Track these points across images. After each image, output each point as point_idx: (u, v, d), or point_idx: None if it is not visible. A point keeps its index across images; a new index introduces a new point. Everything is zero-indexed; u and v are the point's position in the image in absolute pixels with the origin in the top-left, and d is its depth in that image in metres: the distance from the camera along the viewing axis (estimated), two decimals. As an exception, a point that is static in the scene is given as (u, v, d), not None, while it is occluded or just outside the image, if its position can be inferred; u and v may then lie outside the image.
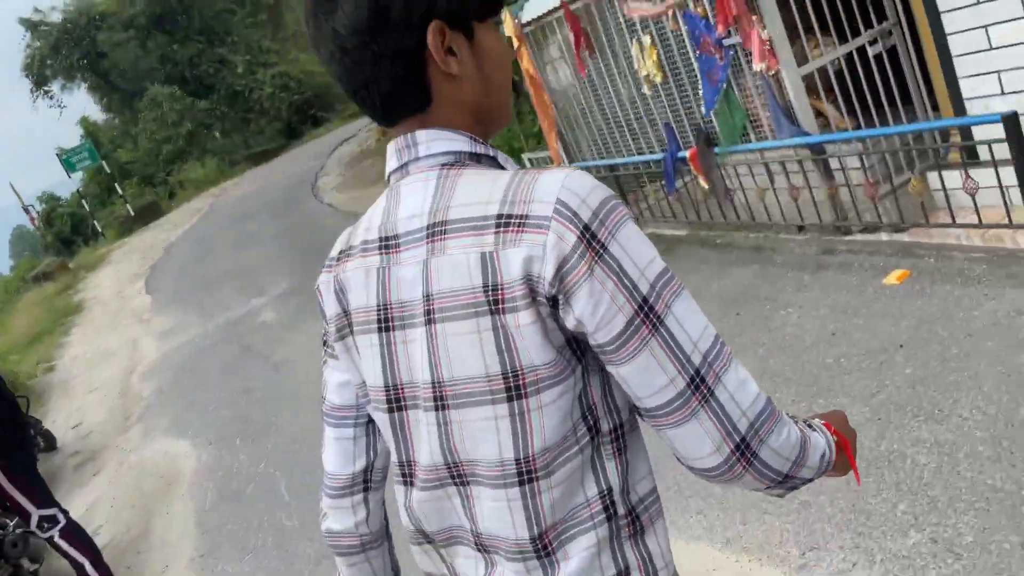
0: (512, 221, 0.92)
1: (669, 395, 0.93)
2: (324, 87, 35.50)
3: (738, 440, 0.95)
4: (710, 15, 4.59)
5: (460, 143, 1.01)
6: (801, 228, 4.97)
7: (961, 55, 4.34)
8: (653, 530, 1.04)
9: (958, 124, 4.18)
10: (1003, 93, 4.25)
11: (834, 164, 4.65)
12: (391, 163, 1.04)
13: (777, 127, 4.61)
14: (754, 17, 4.37)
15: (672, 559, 1.06)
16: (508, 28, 6.45)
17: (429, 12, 0.96)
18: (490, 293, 0.93)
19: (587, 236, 0.90)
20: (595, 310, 0.91)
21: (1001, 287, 3.52)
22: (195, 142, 32.43)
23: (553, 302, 0.92)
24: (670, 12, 4.96)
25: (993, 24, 4.11)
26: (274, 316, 8.82)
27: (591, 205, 0.91)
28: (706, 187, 5.41)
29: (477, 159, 1.02)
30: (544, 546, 1.00)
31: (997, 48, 4.15)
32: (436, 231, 0.97)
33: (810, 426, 1.06)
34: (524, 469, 0.98)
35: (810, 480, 1.03)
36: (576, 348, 0.96)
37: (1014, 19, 3.99)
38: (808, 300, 4.15)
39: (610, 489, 1.00)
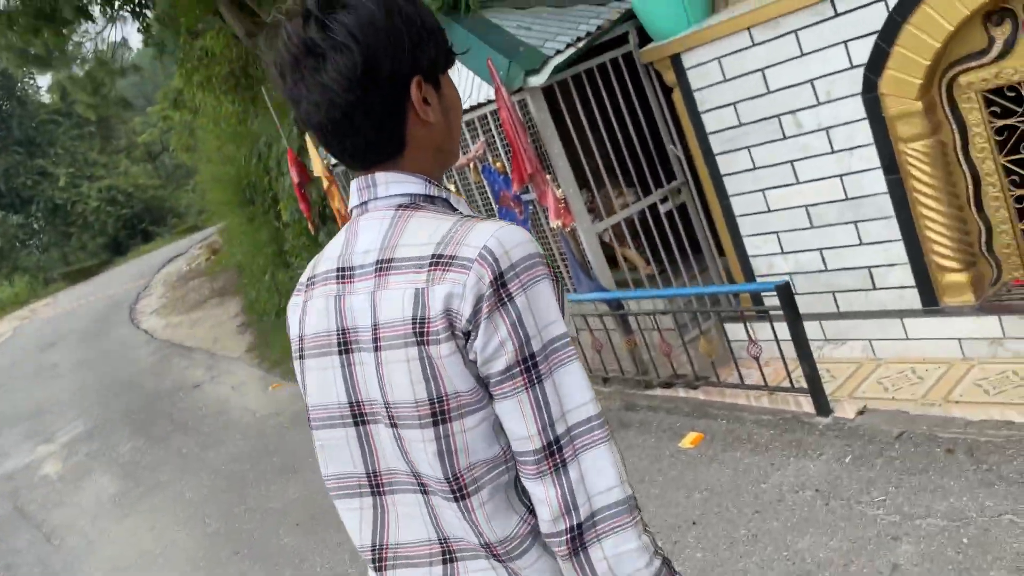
0: (442, 261, 1.01)
1: (527, 447, 1.01)
2: (156, 200, 34.07)
3: (572, 524, 1.00)
4: (508, 170, 4.58)
5: (416, 186, 1.10)
6: (606, 380, 4.91)
7: (743, 215, 4.51)
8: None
9: (735, 291, 4.29)
10: (783, 252, 4.44)
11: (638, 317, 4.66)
12: (353, 200, 1.13)
13: (576, 282, 4.59)
14: (548, 176, 4.38)
15: None
16: (317, 168, 6.27)
17: (413, 69, 1.06)
18: (418, 325, 1.01)
19: (498, 283, 0.99)
20: (485, 346, 1.00)
21: (786, 456, 3.51)
22: (5, 258, 29.98)
23: (466, 336, 1.00)
24: (471, 164, 4.93)
25: (769, 188, 4.31)
26: (58, 468, 7.85)
27: (512, 257, 1.01)
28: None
29: (431, 200, 1.11)
30: (495, 554, 1.07)
31: (775, 211, 4.34)
32: (383, 266, 1.06)
33: None
34: (455, 487, 1.05)
35: None
36: (485, 383, 1.03)
37: (787, 184, 4.20)
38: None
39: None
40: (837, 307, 4.34)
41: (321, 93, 1.03)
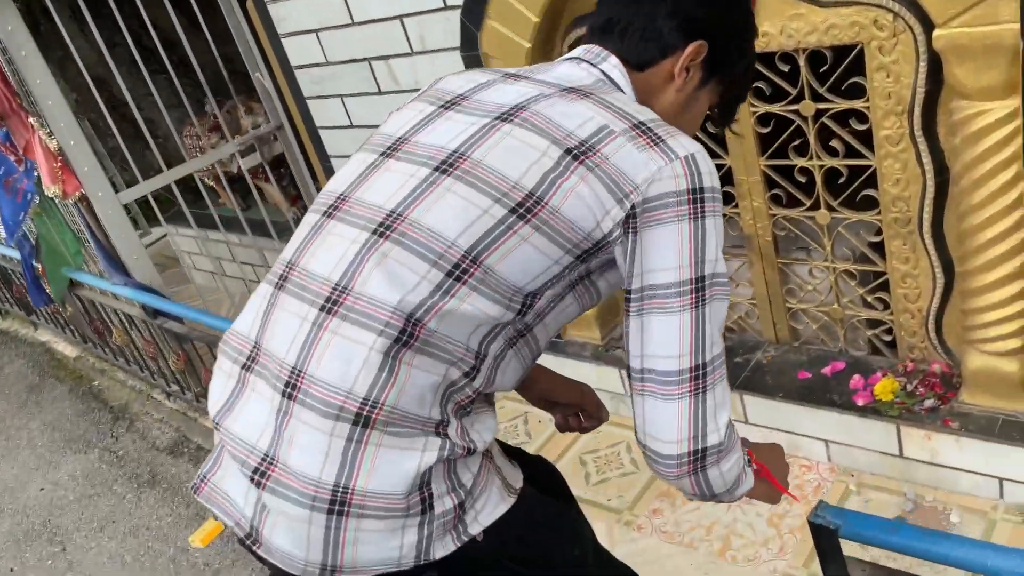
0: (649, 132, 1.00)
1: (672, 367, 0.97)
2: None
3: (700, 448, 0.99)
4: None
5: (624, 88, 1.09)
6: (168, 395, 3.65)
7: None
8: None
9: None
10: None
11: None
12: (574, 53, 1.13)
13: (107, 270, 3.20)
14: (31, 119, 2.87)
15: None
16: None
17: (715, 43, 1.08)
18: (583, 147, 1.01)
19: (696, 195, 0.98)
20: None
21: None
22: None
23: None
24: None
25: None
26: None
27: (706, 181, 1.00)
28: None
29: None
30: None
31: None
32: (574, 90, 1.06)
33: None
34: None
35: (728, 502, 1.10)
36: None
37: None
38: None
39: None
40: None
41: None
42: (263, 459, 1.01)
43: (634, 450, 2.65)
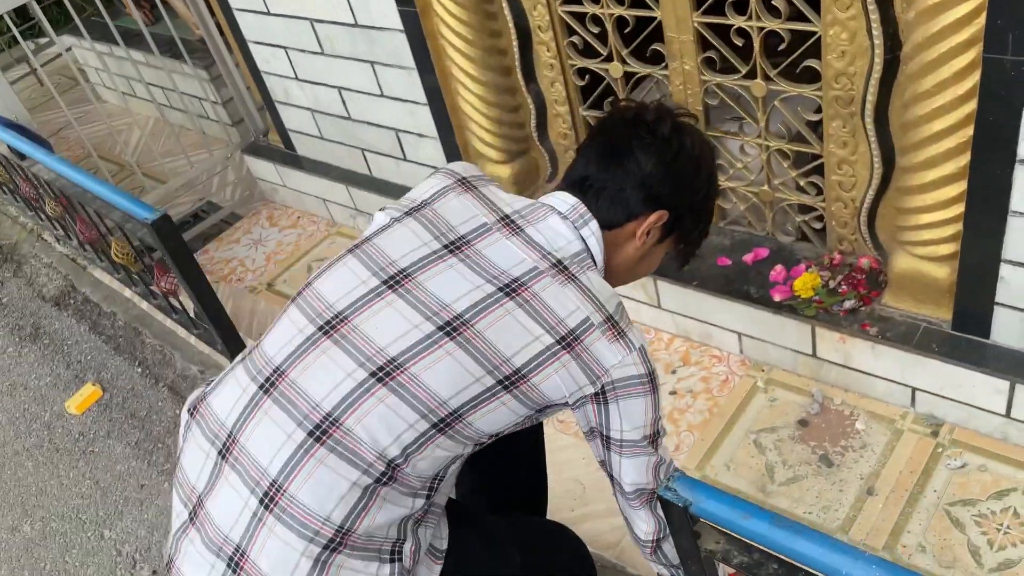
0: (617, 328, 1.16)
1: (640, 482, 1.22)
2: None
3: (660, 536, 1.26)
4: None
5: (599, 257, 1.21)
6: None
7: (242, 9, 2.88)
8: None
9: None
10: (298, 79, 2.93)
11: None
12: (560, 201, 1.22)
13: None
14: None
15: None
16: None
17: (675, 214, 1.24)
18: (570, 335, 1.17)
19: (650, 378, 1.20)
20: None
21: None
22: None
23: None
24: None
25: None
26: None
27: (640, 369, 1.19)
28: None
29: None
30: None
31: (276, 14, 2.76)
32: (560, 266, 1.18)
33: None
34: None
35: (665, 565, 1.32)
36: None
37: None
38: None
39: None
40: (369, 170, 3.03)
41: (624, 154, 1.20)
42: (236, 550, 1.09)
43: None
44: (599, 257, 1.20)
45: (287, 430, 1.08)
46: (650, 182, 1.19)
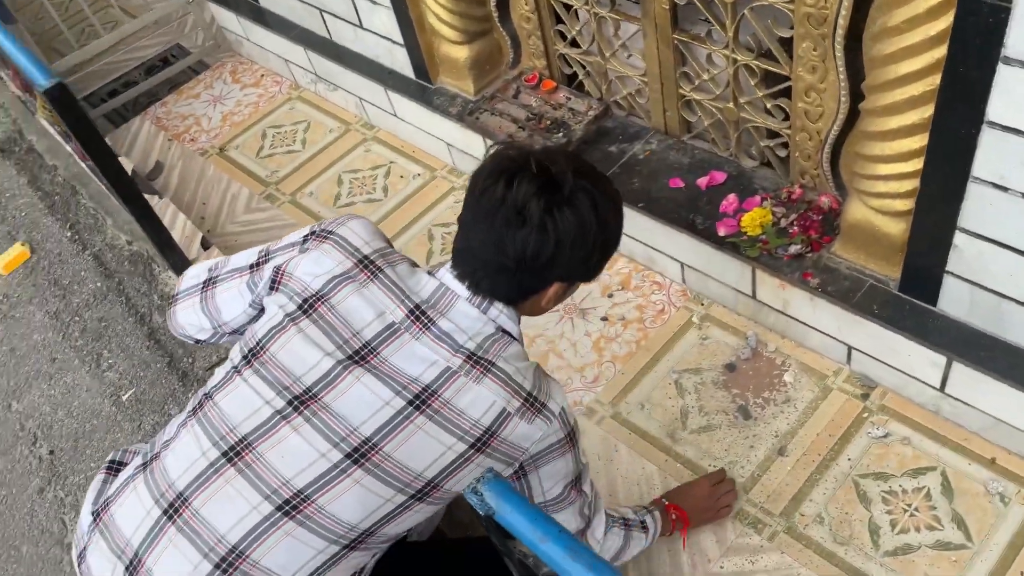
0: (535, 402, 1.13)
1: (573, 527, 1.28)
2: None
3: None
4: None
5: (514, 328, 1.18)
6: None
7: None
8: None
9: None
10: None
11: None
12: (460, 287, 1.14)
13: None
14: None
15: None
16: None
17: (570, 276, 1.16)
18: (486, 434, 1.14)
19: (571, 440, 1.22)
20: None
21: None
22: None
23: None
24: None
25: None
26: None
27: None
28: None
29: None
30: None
31: None
32: (477, 360, 1.14)
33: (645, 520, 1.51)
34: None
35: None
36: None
37: None
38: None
39: None
40: (329, 34, 2.78)
41: (499, 242, 1.08)
42: None
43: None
44: (515, 329, 1.17)
45: (252, 502, 1.06)
46: (536, 264, 1.10)
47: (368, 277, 1.14)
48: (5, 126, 3.01)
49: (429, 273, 1.17)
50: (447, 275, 1.16)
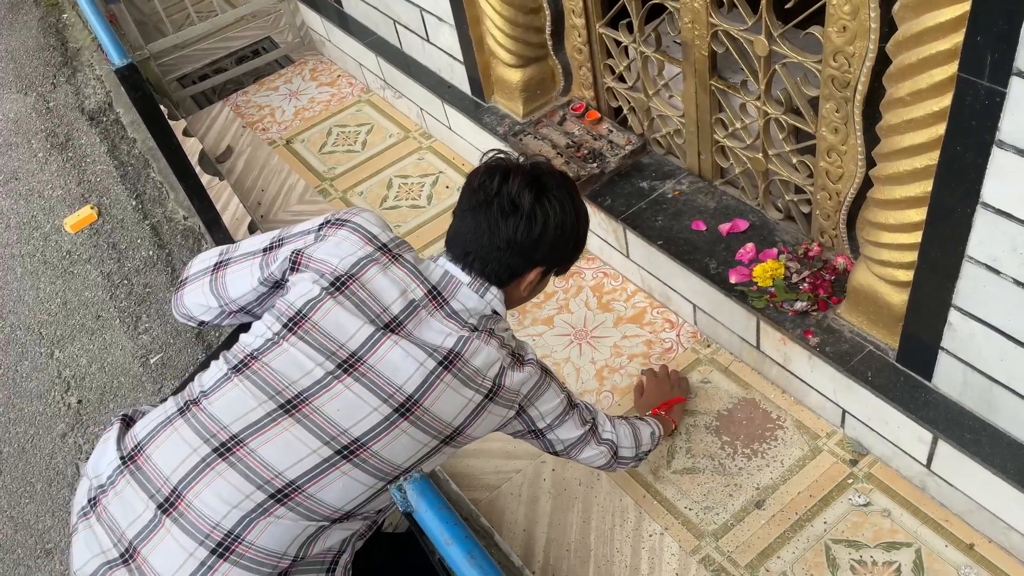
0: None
1: (575, 433, 1.48)
2: None
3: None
4: None
5: (501, 313, 1.38)
6: None
7: None
8: None
9: None
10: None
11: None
12: (459, 272, 1.34)
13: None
14: None
15: None
16: None
17: (548, 263, 1.38)
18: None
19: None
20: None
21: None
22: None
23: None
24: None
25: None
26: None
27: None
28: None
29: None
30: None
31: None
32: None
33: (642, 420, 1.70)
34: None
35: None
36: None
37: None
38: None
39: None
40: (400, 44, 2.91)
41: (493, 227, 1.30)
42: None
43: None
44: (502, 310, 1.37)
45: (245, 491, 1.16)
46: (524, 245, 1.31)
47: (389, 260, 1.30)
48: (99, 97, 3.24)
49: (432, 261, 1.35)
50: (447, 263, 1.34)
